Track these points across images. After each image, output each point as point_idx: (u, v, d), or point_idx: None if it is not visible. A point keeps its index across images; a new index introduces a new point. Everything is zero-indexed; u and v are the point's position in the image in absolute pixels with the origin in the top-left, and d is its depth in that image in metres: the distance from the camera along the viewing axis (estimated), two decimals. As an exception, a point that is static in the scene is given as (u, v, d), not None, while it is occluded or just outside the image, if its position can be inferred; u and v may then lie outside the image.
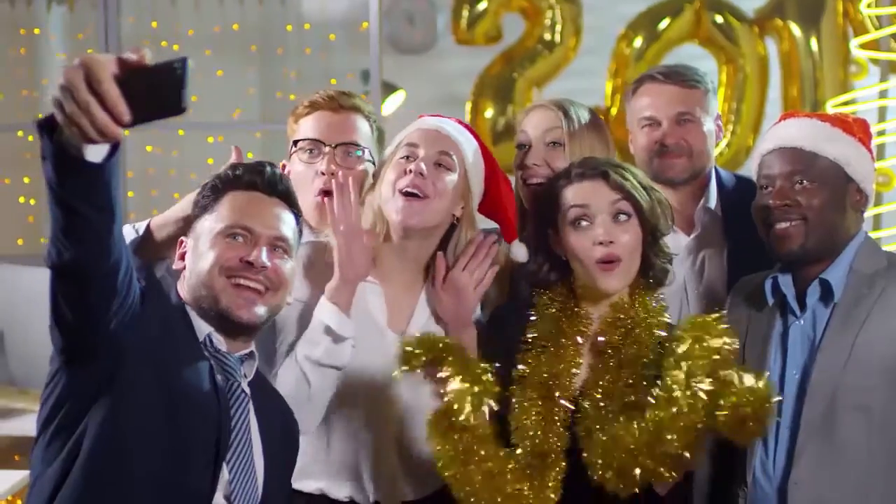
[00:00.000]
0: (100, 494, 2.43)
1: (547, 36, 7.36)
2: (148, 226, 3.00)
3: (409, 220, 2.98)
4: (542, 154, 3.32)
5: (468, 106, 7.37)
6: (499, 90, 7.37)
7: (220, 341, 2.64)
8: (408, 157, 3.01)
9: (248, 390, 2.67)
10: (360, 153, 3.24)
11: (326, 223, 3.13)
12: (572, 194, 2.93)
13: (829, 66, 6.94)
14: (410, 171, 2.97)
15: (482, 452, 2.78)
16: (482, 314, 3.16)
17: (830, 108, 6.16)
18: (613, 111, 7.08)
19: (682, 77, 3.53)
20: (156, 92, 1.97)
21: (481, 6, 7.33)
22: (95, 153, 2.05)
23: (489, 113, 7.31)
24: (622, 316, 2.91)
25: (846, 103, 6.35)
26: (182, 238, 2.74)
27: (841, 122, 3.06)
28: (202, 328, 2.63)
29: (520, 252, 3.10)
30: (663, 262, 2.96)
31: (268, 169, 2.73)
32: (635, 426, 2.70)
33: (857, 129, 3.06)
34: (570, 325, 2.93)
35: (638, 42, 7.20)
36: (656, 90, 3.54)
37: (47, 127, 2.03)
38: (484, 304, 3.17)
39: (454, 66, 7.89)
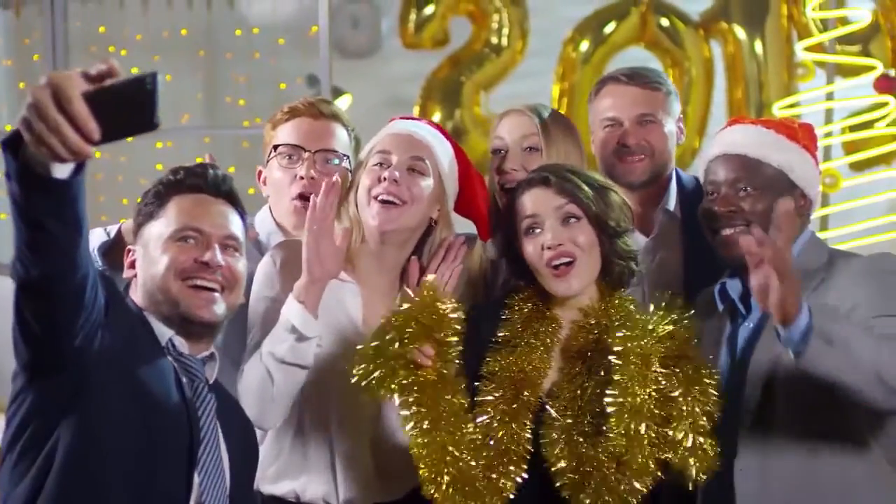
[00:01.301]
0: None
1: (494, 39, 7.39)
2: (119, 230, 3.00)
3: (386, 226, 2.99)
4: (519, 159, 3.35)
5: (416, 110, 7.38)
6: (446, 94, 7.39)
7: (182, 344, 2.63)
8: (381, 163, 3.02)
9: (212, 393, 2.67)
10: (337, 161, 3.26)
11: (303, 227, 3.16)
12: (524, 203, 2.97)
13: (774, 69, 7.02)
14: (385, 178, 2.98)
15: (452, 420, 2.80)
16: None
17: (777, 110, 6.23)
18: (561, 114, 7.10)
19: (644, 79, 3.57)
20: (126, 108, 1.94)
21: (428, 10, 7.35)
22: (62, 170, 2.03)
23: (437, 116, 7.32)
24: (592, 321, 2.95)
25: (792, 106, 6.43)
26: (129, 247, 2.73)
27: (786, 128, 3.08)
28: (163, 332, 2.62)
29: (492, 249, 3.14)
30: (623, 262, 2.99)
31: (210, 171, 2.71)
32: (599, 450, 2.77)
33: (801, 135, 3.08)
34: (540, 327, 2.96)
35: (584, 45, 7.25)
36: (619, 91, 3.56)
37: (11, 144, 2.00)
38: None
39: (399, 69, 7.90)
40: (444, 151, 3.09)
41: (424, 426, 2.78)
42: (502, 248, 3.09)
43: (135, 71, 1.97)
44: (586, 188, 2.93)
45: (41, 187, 2.03)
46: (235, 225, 2.70)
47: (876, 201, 6.33)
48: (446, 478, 2.78)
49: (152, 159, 7.15)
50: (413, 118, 3.21)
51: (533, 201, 2.96)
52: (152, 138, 7.39)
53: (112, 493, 2.44)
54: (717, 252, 3.03)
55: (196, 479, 2.55)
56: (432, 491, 2.80)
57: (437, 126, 3.20)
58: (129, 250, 2.70)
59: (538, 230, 2.94)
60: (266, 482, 3.04)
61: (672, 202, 3.56)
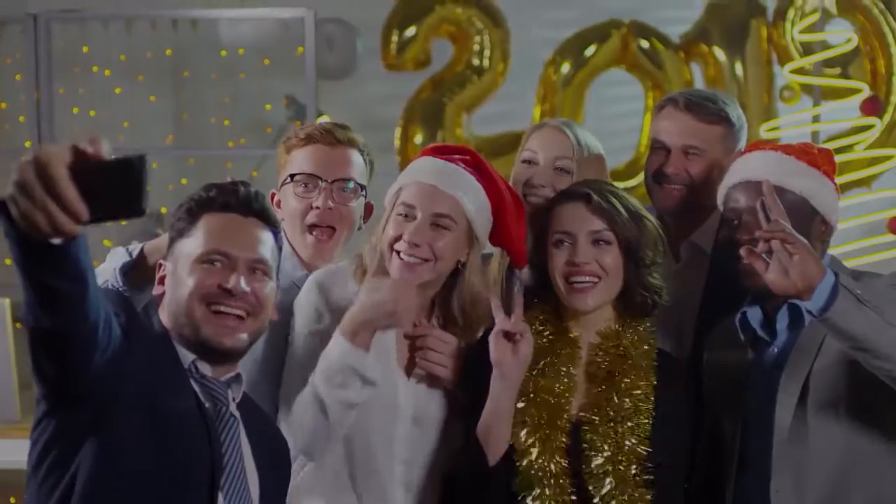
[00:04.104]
0: None
1: (475, 61, 7.39)
2: (141, 250, 2.98)
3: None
4: (549, 177, 3.30)
5: (398, 132, 7.38)
6: (428, 115, 7.37)
7: (205, 367, 2.61)
8: (406, 215, 2.99)
9: (237, 414, 2.65)
10: (351, 185, 3.25)
11: (319, 258, 3.20)
12: (559, 216, 2.98)
13: (754, 91, 7.07)
14: (407, 240, 2.96)
15: None
16: None
17: (763, 133, 6.26)
18: (542, 136, 7.11)
19: (703, 110, 3.46)
20: (113, 188, 1.92)
21: (410, 32, 7.35)
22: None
23: (419, 139, 7.30)
24: (612, 343, 2.96)
25: (775, 129, 6.47)
26: (160, 261, 2.70)
27: (806, 154, 3.05)
28: (186, 355, 2.60)
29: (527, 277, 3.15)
30: (646, 293, 2.99)
31: (241, 189, 2.68)
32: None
33: (821, 161, 3.05)
34: (562, 349, 2.96)
35: (565, 68, 7.27)
36: (672, 115, 3.49)
37: (4, 207, 1.96)
38: None
39: (375, 90, 7.90)
40: (473, 197, 3.03)
41: None
42: (535, 258, 3.09)
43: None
44: (624, 213, 2.93)
45: (39, 252, 2.01)
46: (265, 246, 2.66)
47: (856, 224, 6.38)
48: None
49: (138, 181, 7.09)
50: (444, 153, 3.11)
51: (568, 216, 2.96)
52: (135, 159, 7.32)
53: None
54: (740, 281, 3.00)
55: (221, 502, 2.53)
56: None
57: (470, 155, 3.10)
58: (161, 265, 2.69)
59: (567, 244, 2.94)
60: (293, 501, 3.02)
61: (703, 236, 3.49)
